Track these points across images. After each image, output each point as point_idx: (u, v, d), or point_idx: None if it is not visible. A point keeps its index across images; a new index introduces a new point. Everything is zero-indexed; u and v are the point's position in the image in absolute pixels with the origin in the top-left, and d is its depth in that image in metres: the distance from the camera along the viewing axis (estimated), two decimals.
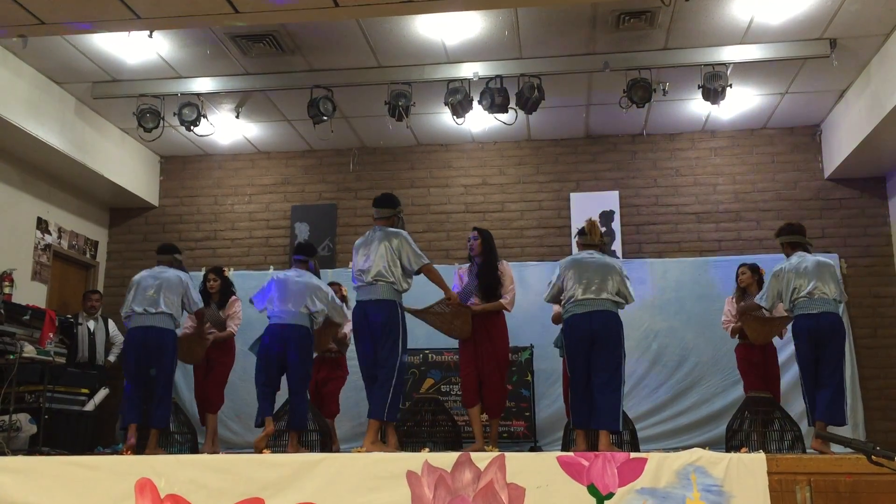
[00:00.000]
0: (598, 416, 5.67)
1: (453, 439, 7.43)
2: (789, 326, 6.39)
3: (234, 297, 7.52)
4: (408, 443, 7.22)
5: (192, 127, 8.02)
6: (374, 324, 5.72)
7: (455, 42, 7.36)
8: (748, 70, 7.68)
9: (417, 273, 5.89)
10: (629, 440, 6.51)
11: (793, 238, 6.43)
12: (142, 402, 6.49)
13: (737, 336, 7.17)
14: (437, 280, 5.97)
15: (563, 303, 5.98)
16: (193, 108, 7.94)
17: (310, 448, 6.76)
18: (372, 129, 9.15)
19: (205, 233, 9.78)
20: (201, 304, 6.88)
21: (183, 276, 6.73)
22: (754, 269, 7.26)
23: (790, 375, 7.82)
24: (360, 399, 8.67)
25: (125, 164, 9.25)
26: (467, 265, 6.60)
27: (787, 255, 6.43)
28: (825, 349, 6.05)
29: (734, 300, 7.28)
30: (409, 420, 7.44)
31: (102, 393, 8.03)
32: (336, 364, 7.56)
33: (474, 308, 6.20)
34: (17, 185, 8.30)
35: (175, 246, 7.16)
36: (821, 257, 6.39)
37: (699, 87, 7.47)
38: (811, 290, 6.08)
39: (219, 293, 7.43)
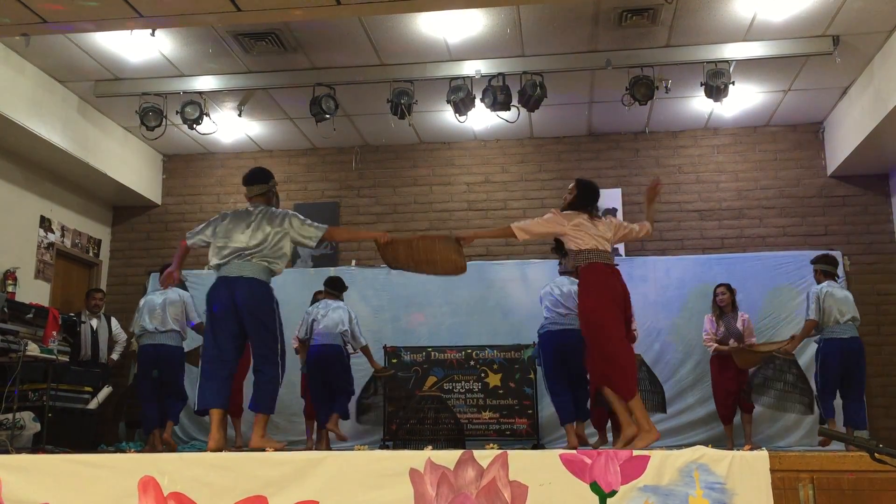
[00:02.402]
0: (577, 408, 6.67)
1: (456, 437, 7.44)
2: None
3: None
4: (410, 441, 7.24)
5: (194, 125, 8.03)
6: (242, 304, 5.10)
7: (457, 40, 7.36)
8: (751, 67, 7.67)
9: (321, 243, 5.26)
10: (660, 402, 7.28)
11: (828, 268, 7.42)
12: (157, 410, 7.33)
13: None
14: (348, 236, 5.41)
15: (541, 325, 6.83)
16: (196, 107, 7.94)
17: None
18: (374, 127, 9.15)
19: None
20: (200, 319, 7.40)
21: (183, 294, 7.52)
22: (730, 289, 7.75)
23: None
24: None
25: (128, 163, 9.26)
26: None
27: (819, 281, 7.36)
28: (854, 368, 7.11)
29: (713, 318, 7.73)
30: (411, 418, 7.47)
31: (105, 391, 8.05)
32: None
33: (474, 234, 5.56)
34: (20, 184, 8.32)
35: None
36: (846, 290, 7.48)
37: (702, 85, 7.47)
38: (843, 317, 7.10)
39: None
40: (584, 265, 5.20)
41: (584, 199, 5.55)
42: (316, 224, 5.19)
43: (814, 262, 7.57)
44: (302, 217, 5.22)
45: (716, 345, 7.60)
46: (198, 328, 7.44)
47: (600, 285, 5.11)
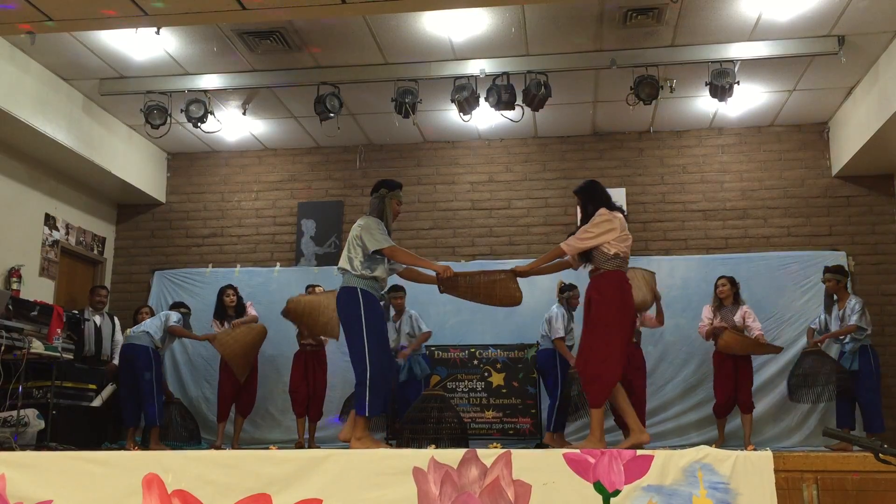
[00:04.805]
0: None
1: (459, 436, 7.43)
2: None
3: (248, 304, 8.46)
4: (414, 440, 7.23)
5: (199, 124, 8.04)
6: (339, 313, 5.27)
7: (462, 39, 7.35)
8: (756, 67, 7.66)
9: (378, 254, 5.21)
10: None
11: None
12: (136, 407, 7.86)
13: (712, 341, 7.75)
14: (410, 260, 5.30)
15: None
16: (200, 105, 7.96)
17: None
18: (378, 126, 9.15)
19: (211, 229, 9.80)
20: (174, 323, 8.11)
21: (166, 312, 8.29)
22: (733, 282, 7.72)
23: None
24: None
25: (132, 161, 9.27)
26: None
27: (842, 295, 7.61)
28: None
29: (712, 309, 7.75)
30: (414, 417, 7.45)
31: (109, 389, 8.05)
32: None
33: (519, 269, 5.34)
34: (24, 182, 8.33)
35: (183, 304, 8.61)
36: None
37: (706, 84, 7.46)
38: None
39: (235, 306, 8.25)
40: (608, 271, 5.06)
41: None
42: (385, 237, 5.20)
43: (834, 271, 7.69)
44: (372, 227, 5.22)
45: (707, 328, 7.65)
46: (171, 332, 8.13)
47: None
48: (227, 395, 8.09)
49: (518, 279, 5.30)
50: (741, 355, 7.52)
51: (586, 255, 5.12)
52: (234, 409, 8.20)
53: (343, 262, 5.26)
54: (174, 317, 8.13)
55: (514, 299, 5.34)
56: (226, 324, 8.15)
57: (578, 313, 7.84)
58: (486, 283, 5.30)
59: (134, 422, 7.89)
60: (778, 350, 7.73)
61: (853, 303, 7.54)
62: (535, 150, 9.50)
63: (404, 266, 5.42)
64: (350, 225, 9.41)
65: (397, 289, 8.00)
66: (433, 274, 5.32)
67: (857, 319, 7.43)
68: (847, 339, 7.57)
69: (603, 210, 5.10)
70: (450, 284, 5.31)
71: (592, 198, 5.24)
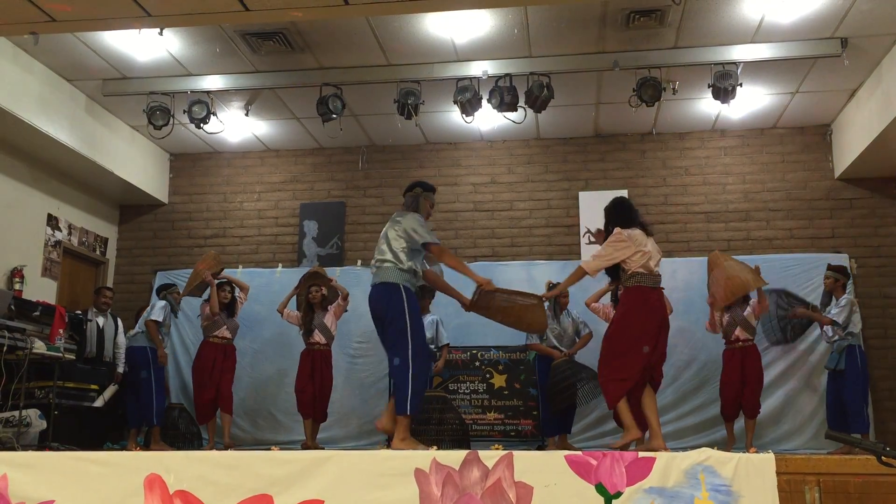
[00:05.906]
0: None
1: (461, 437, 7.44)
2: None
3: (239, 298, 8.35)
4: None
5: (201, 124, 8.04)
6: (376, 309, 5.28)
7: (464, 40, 7.36)
8: (758, 69, 7.65)
9: (423, 248, 5.27)
10: None
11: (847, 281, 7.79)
12: (135, 410, 8.01)
13: (723, 338, 7.73)
14: (454, 263, 5.36)
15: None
16: (203, 106, 7.96)
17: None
18: (381, 127, 9.15)
19: (214, 230, 9.81)
20: (152, 318, 8.09)
21: (153, 302, 8.34)
22: None
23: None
24: (369, 397, 8.73)
25: (135, 162, 9.28)
26: None
27: (838, 295, 7.59)
28: None
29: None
30: (416, 418, 7.47)
31: (111, 389, 8.05)
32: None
33: (546, 295, 5.70)
34: (27, 182, 8.34)
35: (167, 285, 8.57)
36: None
37: (709, 86, 7.45)
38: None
39: (227, 303, 8.14)
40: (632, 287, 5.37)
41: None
42: (433, 234, 5.33)
43: (835, 270, 7.73)
44: (424, 224, 5.35)
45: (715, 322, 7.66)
46: (147, 325, 8.14)
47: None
48: (204, 396, 7.88)
49: (534, 291, 5.69)
50: (749, 358, 7.46)
51: (615, 273, 5.46)
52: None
53: (386, 255, 5.23)
54: (157, 308, 8.08)
55: (542, 325, 5.72)
56: (220, 315, 8.05)
57: (587, 314, 8.00)
58: (520, 310, 5.53)
59: (137, 423, 7.94)
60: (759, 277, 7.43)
61: (842, 301, 7.56)
62: (538, 152, 9.50)
63: (428, 267, 5.48)
64: (353, 226, 9.50)
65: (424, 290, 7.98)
66: (460, 292, 5.58)
67: (836, 315, 7.45)
68: (834, 337, 7.54)
69: (617, 230, 5.34)
70: (484, 300, 5.45)
71: (612, 217, 5.53)
